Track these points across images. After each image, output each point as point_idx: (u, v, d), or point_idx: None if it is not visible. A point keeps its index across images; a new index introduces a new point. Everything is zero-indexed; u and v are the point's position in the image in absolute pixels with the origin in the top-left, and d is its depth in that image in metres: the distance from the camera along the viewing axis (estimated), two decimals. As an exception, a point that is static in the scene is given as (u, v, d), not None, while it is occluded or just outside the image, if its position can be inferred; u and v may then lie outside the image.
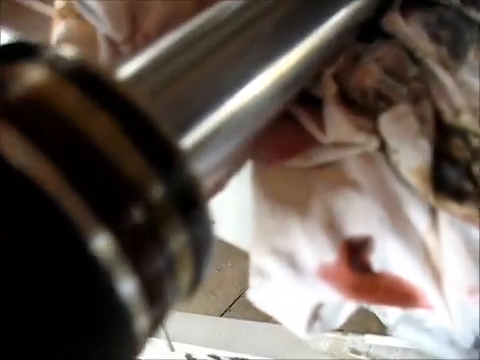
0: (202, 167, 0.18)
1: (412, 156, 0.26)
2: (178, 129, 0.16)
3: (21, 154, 0.12)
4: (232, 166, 0.28)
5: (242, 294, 1.27)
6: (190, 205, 0.15)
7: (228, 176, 0.28)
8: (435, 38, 0.31)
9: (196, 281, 0.16)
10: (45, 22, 0.30)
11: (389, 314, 0.29)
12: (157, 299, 0.14)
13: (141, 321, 0.13)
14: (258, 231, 0.27)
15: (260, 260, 0.27)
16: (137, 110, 0.13)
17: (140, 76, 0.17)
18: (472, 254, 0.26)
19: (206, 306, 1.31)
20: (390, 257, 0.27)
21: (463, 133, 0.27)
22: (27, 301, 0.11)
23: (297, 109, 0.27)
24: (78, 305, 0.12)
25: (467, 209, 0.26)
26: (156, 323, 0.15)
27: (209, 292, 1.35)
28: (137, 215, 0.13)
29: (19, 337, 0.11)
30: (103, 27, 0.26)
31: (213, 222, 0.16)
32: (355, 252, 0.27)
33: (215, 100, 0.18)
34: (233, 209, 0.32)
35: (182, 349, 0.86)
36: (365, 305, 0.28)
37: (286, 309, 0.28)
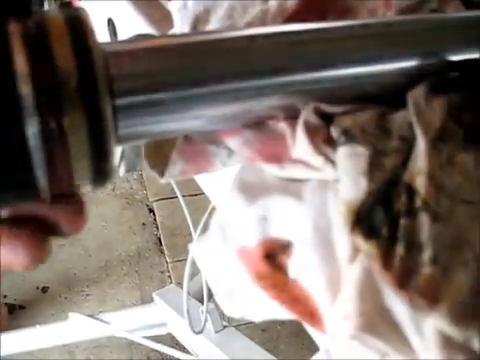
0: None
1: (348, 188, 0.30)
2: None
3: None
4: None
5: None
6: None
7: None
8: (456, 119, 0.33)
9: None
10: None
11: None
12: None
13: None
14: (219, 203, 0.33)
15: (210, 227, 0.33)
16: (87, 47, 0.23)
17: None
18: (358, 285, 0.28)
19: None
20: (304, 270, 0.31)
21: (411, 192, 0.30)
22: None
23: (286, 124, 0.33)
24: None
25: (370, 247, 0.28)
26: None
27: None
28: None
29: None
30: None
31: None
32: (277, 251, 0.31)
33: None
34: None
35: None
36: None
37: (213, 274, 0.33)
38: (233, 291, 0.33)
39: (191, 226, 0.86)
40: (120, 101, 0.26)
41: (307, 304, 0.31)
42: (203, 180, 0.42)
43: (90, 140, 0.23)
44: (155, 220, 1.83)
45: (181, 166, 0.34)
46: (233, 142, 0.33)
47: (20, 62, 0.22)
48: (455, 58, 0.35)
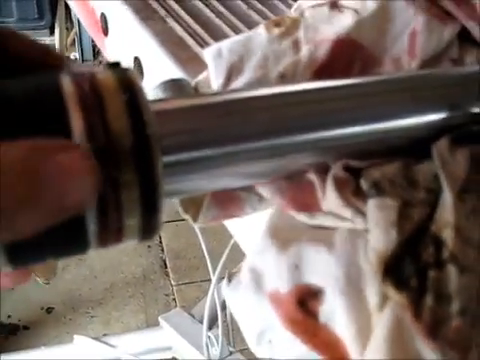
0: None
1: (379, 239, 0.31)
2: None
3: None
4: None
5: None
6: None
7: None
8: (478, 170, 0.35)
9: None
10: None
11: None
12: None
13: None
14: (248, 249, 0.35)
15: (242, 270, 0.34)
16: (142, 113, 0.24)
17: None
18: (388, 332, 0.29)
19: None
20: (335, 315, 0.32)
21: (439, 244, 0.31)
22: None
23: (315, 176, 0.34)
24: None
25: (401, 298, 0.30)
26: None
27: None
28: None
29: None
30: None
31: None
32: (309, 297, 0.32)
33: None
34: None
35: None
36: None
37: (244, 318, 0.34)
38: (263, 334, 0.34)
39: (205, 251, 0.87)
40: (167, 158, 0.27)
41: (337, 349, 0.32)
42: (231, 223, 0.44)
43: (142, 197, 0.24)
44: (160, 242, 1.84)
45: (214, 212, 0.35)
46: (265, 190, 0.35)
47: (76, 122, 0.23)
48: (479, 110, 0.37)
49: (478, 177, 0.34)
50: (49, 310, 1.63)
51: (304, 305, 0.32)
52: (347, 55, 0.40)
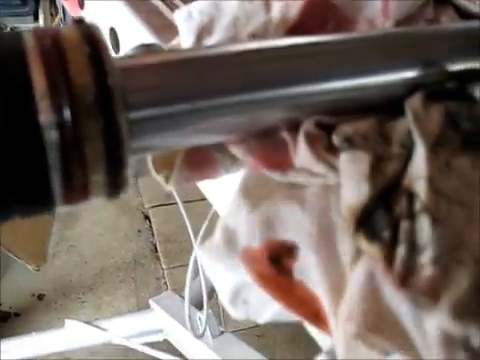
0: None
1: (351, 193, 0.31)
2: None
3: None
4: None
5: None
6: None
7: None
8: (453, 126, 0.35)
9: None
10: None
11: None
12: None
13: None
14: (223, 207, 0.34)
15: (215, 231, 0.34)
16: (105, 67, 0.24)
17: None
18: (361, 286, 0.29)
19: None
20: (309, 271, 0.32)
21: (411, 196, 0.31)
22: None
23: (288, 134, 0.34)
24: None
25: (373, 249, 0.29)
26: None
27: None
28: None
29: None
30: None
31: None
32: (283, 253, 0.32)
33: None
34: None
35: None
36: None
37: (218, 278, 0.34)
38: (238, 294, 0.34)
39: (191, 232, 0.87)
40: (134, 114, 0.26)
41: (312, 305, 0.32)
42: (205, 185, 0.43)
43: (106, 151, 0.24)
44: (151, 227, 1.84)
45: (186, 172, 0.35)
46: (237, 150, 0.34)
47: (38, 78, 0.23)
48: (454, 68, 0.37)
49: (452, 132, 0.34)
50: (40, 297, 1.63)
51: (278, 263, 0.32)
52: (320, 15, 0.39)
